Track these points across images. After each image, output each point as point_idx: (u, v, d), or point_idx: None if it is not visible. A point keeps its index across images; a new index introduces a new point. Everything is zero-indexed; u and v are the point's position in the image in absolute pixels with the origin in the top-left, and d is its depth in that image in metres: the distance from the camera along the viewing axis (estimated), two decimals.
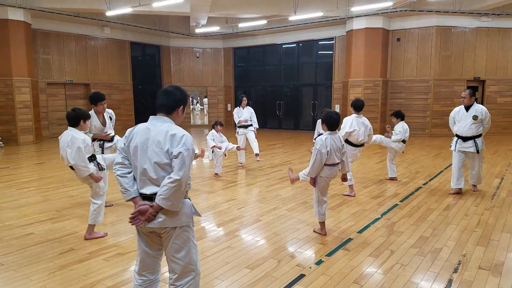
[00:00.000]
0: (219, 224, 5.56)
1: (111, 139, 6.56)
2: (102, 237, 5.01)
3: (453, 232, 5.18)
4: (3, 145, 13.69)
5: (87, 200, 5.57)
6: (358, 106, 7.07)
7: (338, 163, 4.97)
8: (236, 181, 8.39)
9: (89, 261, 4.30)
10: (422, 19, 15.57)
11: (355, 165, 9.50)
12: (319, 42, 18.48)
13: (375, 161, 10.37)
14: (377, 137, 8.02)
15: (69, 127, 4.88)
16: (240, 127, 10.07)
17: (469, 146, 6.85)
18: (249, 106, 10.45)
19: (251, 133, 10.05)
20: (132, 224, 2.76)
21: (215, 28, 17.58)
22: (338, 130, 5.24)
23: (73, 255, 4.45)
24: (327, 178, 4.95)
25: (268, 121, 20.30)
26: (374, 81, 15.95)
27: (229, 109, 21.47)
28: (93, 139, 6.27)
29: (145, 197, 2.77)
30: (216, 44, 21.13)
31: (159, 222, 2.73)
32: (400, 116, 7.95)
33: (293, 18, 14.68)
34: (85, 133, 6.05)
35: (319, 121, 8.81)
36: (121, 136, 3.34)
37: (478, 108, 6.78)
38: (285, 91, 20.05)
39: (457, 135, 6.98)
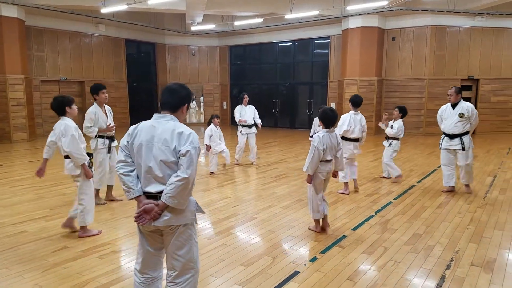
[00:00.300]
0: (214, 222, 5.56)
1: (113, 138, 6.51)
2: (97, 234, 4.99)
3: (446, 229, 5.21)
4: None
5: None
6: (356, 102, 7.06)
7: (330, 160, 5.00)
8: (232, 179, 8.39)
9: (83, 259, 4.29)
10: (417, 18, 15.62)
11: None
12: (315, 41, 18.50)
13: (369, 160, 10.40)
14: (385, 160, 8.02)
15: (61, 117, 4.85)
16: (244, 126, 9.78)
17: (455, 144, 6.82)
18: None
19: (253, 137, 9.82)
20: (138, 223, 2.74)
21: (211, 26, 17.56)
22: (335, 127, 5.25)
23: (67, 253, 4.44)
24: (322, 174, 4.97)
25: (264, 120, 20.02)
26: (369, 79, 16.00)
27: (225, 107, 21.47)
28: (99, 137, 6.25)
29: (149, 195, 2.74)
30: (212, 42, 21.10)
31: (164, 220, 2.70)
32: (402, 111, 7.82)
33: (289, 16, 14.70)
34: (90, 130, 6.08)
35: (315, 119, 8.84)
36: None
37: (464, 106, 6.73)
38: (281, 89, 20.06)
39: (444, 133, 6.97)
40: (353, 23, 15.76)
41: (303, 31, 18.27)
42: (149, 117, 2.83)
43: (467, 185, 7.12)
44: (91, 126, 6.09)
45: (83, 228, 4.94)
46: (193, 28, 17.87)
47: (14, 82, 13.89)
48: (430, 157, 10.82)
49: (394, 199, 6.73)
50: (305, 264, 4.14)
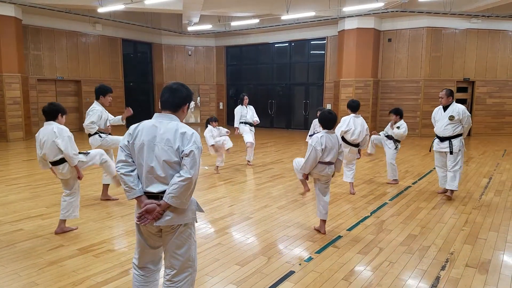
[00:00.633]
0: (210, 221, 5.57)
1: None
2: (74, 230, 5.09)
3: (441, 230, 5.24)
4: None
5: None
6: (353, 107, 7.07)
7: (332, 163, 4.97)
8: (228, 178, 8.40)
9: (79, 257, 4.29)
10: (413, 20, 15.68)
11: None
12: (311, 42, 18.54)
13: (365, 160, 10.44)
14: (372, 138, 8.03)
15: (47, 122, 4.86)
16: (246, 123, 9.77)
17: (445, 146, 6.72)
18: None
19: (253, 135, 9.83)
20: (140, 223, 2.73)
21: (207, 26, 17.55)
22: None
23: (63, 251, 4.44)
24: (318, 175, 4.98)
25: (260, 120, 20.16)
26: (365, 81, 16.05)
27: (221, 107, 21.48)
28: (97, 133, 6.27)
29: (150, 195, 2.73)
30: (208, 42, 21.11)
31: (166, 220, 2.70)
32: (399, 113, 7.80)
33: (285, 17, 14.71)
34: (93, 126, 6.11)
35: (314, 121, 8.85)
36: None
37: (455, 108, 6.62)
38: (277, 90, 20.08)
39: (436, 135, 6.92)
40: (349, 24, 15.80)
41: (299, 32, 18.30)
42: (146, 117, 2.83)
43: (450, 190, 6.80)
44: (95, 122, 6.11)
45: (62, 223, 5.02)
46: (190, 28, 17.87)
47: (11, 81, 13.86)
48: (425, 158, 10.86)
49: (389, 200, 6.75)
50: (300, 264, 4.16)
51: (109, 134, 6.47)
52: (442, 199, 6.78)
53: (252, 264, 4.15)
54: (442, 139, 6.76)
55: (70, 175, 4.92)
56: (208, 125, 8.69)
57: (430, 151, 7.30)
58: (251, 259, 4.27)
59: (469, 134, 7.64)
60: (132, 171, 2.75)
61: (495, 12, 14.93)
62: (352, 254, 4.45)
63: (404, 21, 15.85)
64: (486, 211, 6.11)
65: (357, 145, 7.07)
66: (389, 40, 16.37)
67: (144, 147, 2.70)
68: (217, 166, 8.90)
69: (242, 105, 9.84)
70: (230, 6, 15.39)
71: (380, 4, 13.41)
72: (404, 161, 10.40)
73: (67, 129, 4.82)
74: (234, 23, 17.31)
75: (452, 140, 6.65)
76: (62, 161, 4.81)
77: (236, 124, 9.80)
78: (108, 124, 6.44)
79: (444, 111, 6.74)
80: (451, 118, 6.59)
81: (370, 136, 7.89)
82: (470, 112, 15.12)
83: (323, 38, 18.00)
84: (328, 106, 17.35)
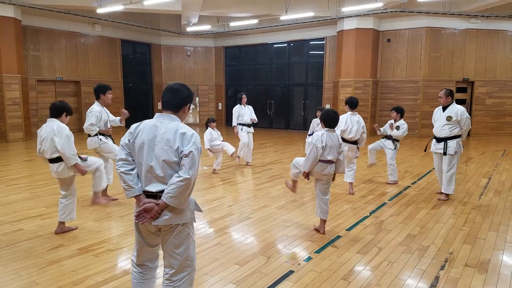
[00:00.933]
0: (209, 221, 5.57)
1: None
2: (74, 229, 5.10)
3: (441, 230, 5.24)
4: None
5: (77, 197, 5.52)
6: (352, 103, 7.08)
7: (333, 162, 4.98)
8: (227, 179, 8.40)
9: (79, 257, 4.30)
10: (412, 20, 15.70)
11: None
12: (310, 42, 18.56)
13: (364, 161, 10.43)
14: (369, 147, 8.09)
15: (50, 119, 4.86)
16: (243, 125, 9.75)
17: (440, 147, 6.60)
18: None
19: (250, 136, 9.82)
20: (139, 222, 2.75)
21: (206, 27, 17.57)
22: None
23: (63, 251, 4.45)
24: (320, 175, 4.97)
25: (259, 121, 20.06)
26: (365, 81, 16.06)
27: (219, 108, 21.49)
28: (99, 134, 6.27)
29: (149, 194, 2.75)
30: (207, 42, 21.12)
31: (164, 219, 2.72)
32: (400, 111, 7.79)
33: (284, 17, 14.73)
34: (93, 128, 6.10)
35: (314, 121, 8.86)
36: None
37: (454, 109, 6.49)
38: (276, 90, 20.10)
39: (434, 136, 6.80)
40: (348, 24, 15.81)
41: (298, 32, 18.32)
42: (145, 117, 2.85)
43: (445, 194, 6.74)
44: (94, 124, 6.10)
45: (61, 225, 5.03)
46: (189, 29, 17.88)
47: (10, 81, 13.87)
48: (424, 158, 10.87)
49: (388, 200, 6.76)
50: (299, 264, 4.16)
51: (110, 136, 6.46)
52: (439, 199, 6.74)
53: (251, 263, 4.16)
54: (439, 140, 6.66)
55: (65, 175, 4.87)
56: (208, 127, 8.69)
57: (425, 151, 7.28)
58: (250, 259, 4.27)
59: (468, 135, 7.62)
60: (132, 169, 2.77)
61: (495, 12, 14.95)
62: (351, 254, 4.45)
63: (403, 21, 15.87)
64: (486, 211, 6.12)
65: (355, 143, 7.09)
66: (388, 40, 16.39)
67: (144, 146, 2.71)
68: (214, 169, 8.88)
69: (240, 104, 9.82)
70: (229, 6, 15.41)
71: (379, 4, 13.43)
72: (404, 161, 10.42)
73: (68, 129, 4.81)
74: (233, 24, 17.32)
75: (448, 141, 6.52)
76: (58, 159, 4.79)
77: (234, 123, 9.80)
78: (109, 125, 6.44)
79: (444, 111, 6.63)
80: (449, 118, 6.47)
81: (376, 129, 7.93)
82: (470, 113, 15.20)
83: (322, 39, 18.01)
84: (327, 107, 17.36)
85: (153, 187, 2.72)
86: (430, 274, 3.95)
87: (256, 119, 10.00)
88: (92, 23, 17.09)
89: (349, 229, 5.27)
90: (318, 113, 8.36)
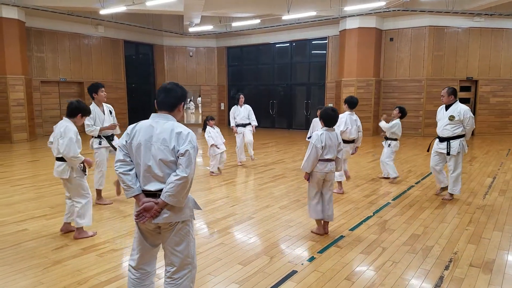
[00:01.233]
0: (212, 221, 5.57)
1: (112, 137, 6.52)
2: (92, 236, 4.94)
3: (445, 230, 5.23)
4: None
5: None
6: (352, 103, 7.07)
7: (332, 160, 4.97)
8: (230, 179, 8.41)
9: (83, 256, 4.31)
10: (415, 19, 15.65)
11: (349, 164, 9.53)
12: (312, 42, 18.53)
13: (367, 160, 10.43)
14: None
15: (65, 118, 4.83)
16: (238, 125, 9.93)
17: (443, 147, 6.49)
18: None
19: (248, 133, 9.87)
20: (139, 221, 2.78)
21: (208, 27, 17.58)
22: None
23: (67, 251, 4.46)
24: (321, 174, 4.95)
25: (261, 120, 20.14)
26: (367, 80, 16.03)
27: (222, 108, 21.49)
28: (97, 137, 6.27)
29: (148, 193, 2.78)
30: (209, 43, 21.13)
31: (164, 218, 2.76)
32: (402, 112, 7.78)
33: (286, 17, 14.71)
34: (92, 129, 6.09)
35: (314, 120, 8.84)
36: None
37: (457, 108, 6.37)
38: (279, 90, 20.08)
39: (437, 135, 6.71)
40: (351, 23, 15.78)
41: (301, 32, 18.29)
42: (147, 118, 2.86)
43: (450, 193, 6.72)
44: (91, 125, 6.10)
45: (79, 229, 4.90)
46: (191, 30, 17.89)
47: (15, 82, 13.93)
48: (428, 158, 10.71)
49: (392, 199, 6.74)
50: (302, 264, 4.16)
51: (113, 135, 6.48)
52: (444, 199, 6.71)
53: (254, 263, 4.16)
54: (441, 140, 6.57)
55: (65, 176, 4.78)
56: (207, 126, 8.68)
57: (428, 151, 7.12)
58: (253, 259, 4.27)
59: (472, 134, 7.55)
60: (130, 170, 2.81)
61: (498, 10, 14.88)
62: (354, 254, 4.44)
63: (406, 20, 15.82)
64: (490, 210, 6.09)
65: (352, 141, 7.09)
66: (391, 39, 16.35)
67: (141, 147, 2.75)
68: (212, 172, 8.78)
69: (237, 105, 10.01)
70: (231, 6, 15.40)
71: (381, 3, 13.39)
72: (407, 160, 10.39)
73: (75, 131, 4.71)
74: (235, 24, 17.33)
75: (450, 141, 6.44)
76: (62, 159, 4.75)
77: (231, 124, 10.07)
78: (114, 121, 6.44)
79: (446, 110, 6.54)
80: (451, 118, 6.36)
81: (382, 119, 7.91)
82: (474, 112, 15.15)
83: (324, 38, 17.98)
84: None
85: (152, 186, 2.76)
86: (434, 274, 3.93)
87: (256, 123, 10.10)
88: (95, 24, 17.13)
89: (352, 229, 5.26)
90: (319, 113, 8.36)
